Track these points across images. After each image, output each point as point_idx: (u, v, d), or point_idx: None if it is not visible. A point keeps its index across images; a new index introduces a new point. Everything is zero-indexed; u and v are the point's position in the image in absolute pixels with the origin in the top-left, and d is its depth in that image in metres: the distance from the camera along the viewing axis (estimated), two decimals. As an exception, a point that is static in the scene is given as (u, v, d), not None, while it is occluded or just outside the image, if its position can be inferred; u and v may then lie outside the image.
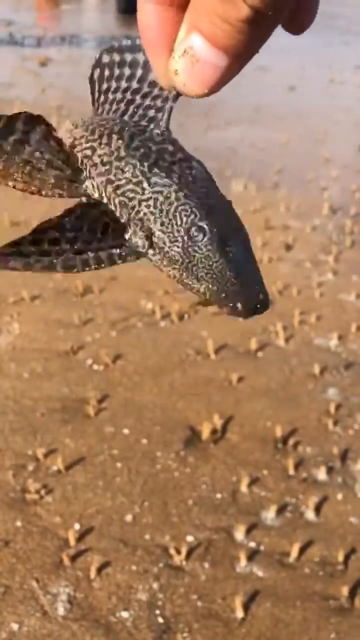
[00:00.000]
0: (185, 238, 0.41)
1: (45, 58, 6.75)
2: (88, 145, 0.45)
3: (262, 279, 0.42)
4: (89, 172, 0.45)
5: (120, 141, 0.43)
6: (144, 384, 2.11)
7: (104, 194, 0.44)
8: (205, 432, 1.90)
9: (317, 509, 1.72)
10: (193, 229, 0.40)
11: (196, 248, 0.40)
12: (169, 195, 0.41)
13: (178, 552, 1.55)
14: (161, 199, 0.41)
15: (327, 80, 6.72)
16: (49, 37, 7.99)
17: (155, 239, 0.42)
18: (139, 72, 0.46)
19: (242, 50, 0.33)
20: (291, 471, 1.82)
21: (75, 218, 0.44)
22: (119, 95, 0.47)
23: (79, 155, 0.46)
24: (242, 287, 0.40)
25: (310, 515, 1.70)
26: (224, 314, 0.41)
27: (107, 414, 1.97)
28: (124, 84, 0.47)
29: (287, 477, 1.81)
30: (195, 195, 0.41)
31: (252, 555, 1.58)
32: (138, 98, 0.46)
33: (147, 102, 0.46)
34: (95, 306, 2.49)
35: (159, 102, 0.45)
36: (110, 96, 0.47)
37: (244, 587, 1.49)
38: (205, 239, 0.40)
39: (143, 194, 0.42)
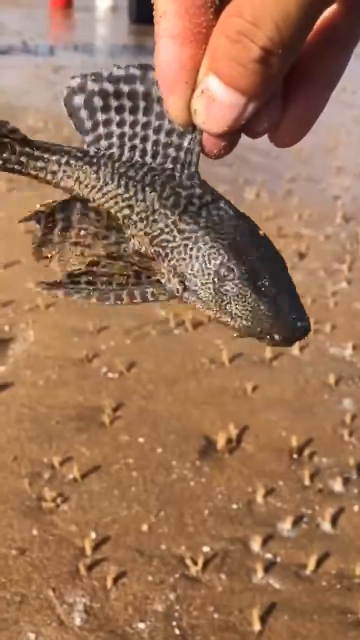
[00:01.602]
0: (216, 279, 0.42)
1: (58, 66, 6.81)
2: (125, 204, 0.46)
3: (298, 304, 0.42)
4: (131, 230, 0.46)
5: (153, 193, 0.45)
6: (159, 392, 2.11)
7: (144, 247, 0.46)
8: (221, 442, 1.89)
9: (334, 521, 1.70)
10: (222, 270, 0.42)
11: (227, 288, 0.42)
12: (197, 240, 0.43)
13: (194, 562, 1.54)
14: (190, 244, 0.43)
15: (339, 89, 6.71)
16: (62, 45, 8.07)
17: (187, 283, 0.43)
18: (142, 104, 0.46)
19: (257, 89, 0.34)
20: (307, 482, 1.81)
21: (102, 267, 0.47)
22: (127, 130, 0.46)
23: (119, 215, 0.47)
24: (277, 319, 0.41)
25: (326, 526, 1.69)
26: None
27: (122, 422, 1.97)
28: (128, 117, 0.46)
29: (303, 487, 1.80)
30: (222, 237, 0.43)
31: (268, 567, 1.57)
32: (151, 133, 0.46)
33: (163, 138, 0.46)
34: (110, 314, 2.50)
35: (175, 138, 0.45)
36: (116, 129, 0.47)
37: (261, 600, 1.48)
38: (235, 278, 0.42)
39: (174, 241, 0.44)
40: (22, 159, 0.49)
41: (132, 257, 0.47)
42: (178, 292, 0.44)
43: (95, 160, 0.47)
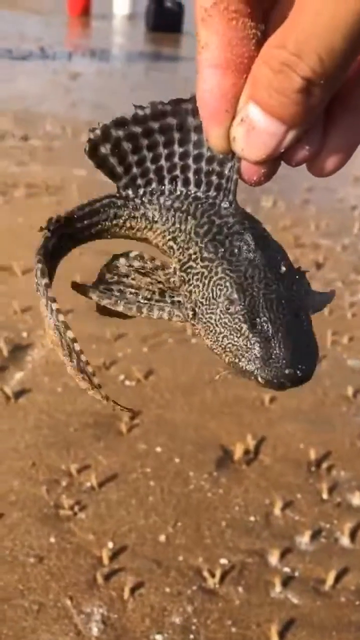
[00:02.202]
0: (219, 311, 0.42)
1: (76, 73, 6.87)
2: (170, 237, 0.47)
3: (301, 351, 0.40)
4: (174, 260, 0.48)
5: (193, 221, 0.45)
6: (176, 401, 2.11)
7: (177, 274, 0.47)
8: (238, 453, 1.88)
9: (352, 535, 1.69)
10: (226, 302, 0.41)
11: (225, 321, 0.41)
12: (211, 270, 0.43)
13: (212, 574, 1.53)
14: (206, 272, 0.43)
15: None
16: (80, 53, 8.14)
17: (197, 310, 0.44)
18: (177, 136, 0.46)
19: (297, 119, 0.34)
20: (325, 495, 1.80)
21: (132, 279, 0.48)
22: (164, 163, 0.47)
23: (165, 247, 0.48)
24: (264, 361, 0.39)
25: (345, 541, 1.67)
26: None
27: (139, 431, 1.97)
28: (163, 151, 0.47)
29: (321, 501, 1.79)
30: (233, 269, 0.42)
31: (286, 581, 1.55)
32: (191, 162, 0.46)
33: (205, 166, 0.46)
34: (127, 322, 2.49)
35: (216, 166, 0.46)
36: (151, 165, 0.47)
37: (279, 614, 1.47)
38: (234, 312, 0.41)
39: (196, 268, 0.44)
40: (79, 236, 0.50)
41: (159, 276, 0.48)
42: (188, 318, 0.45)
43: (139, 202, 0.48)
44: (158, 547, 1.60)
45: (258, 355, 0.39)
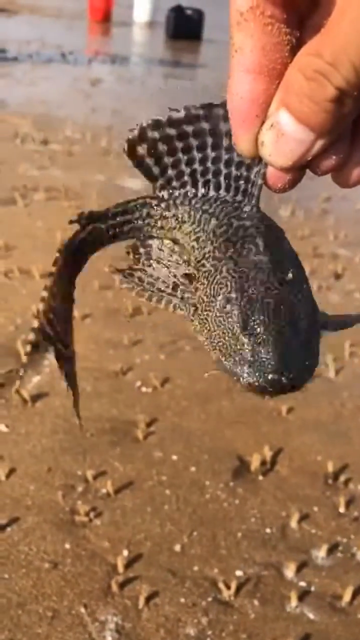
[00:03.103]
0: (215, 308, 0.42)
1: (96, 79, 6.92)
2: (195, 236, 0.48)
3: (295, 359, 0.39)
4: (191, 257, 0.49)
5: (215, 222, 0.46)
6: (192, 409, 2.10)
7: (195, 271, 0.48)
8: (255, 463, 1.87)
9: (370, 551, 1.66)
10: (224, 300, 0.41)
11: (221, 319, 0.41)
12: (217, 268, 0.43)
13: (227, 586, 1.51)
14: (213, 271, 0.44)
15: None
16: (100, 59, 8.20)
17: (198, 306, 0.44)
18: (210, 140, 0.47)
19: (327, 127, 0.34)
20: (342, 509, 1.78)
21: (152, 269, 0.50)
22: (198, 167, 0.48)
23: (190, 247, 0.49)
24: (249, 364, 0.38)
25: (362, 557, 1.65)
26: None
27: (155, 438, 1.96)
28: (197, 155, 0.47)
29: (338, 515, 1.77)
30: (237, 270, 0.42)
31: (302, 596, 1.53)
32: (222, 167, 0.47)
33: (234, 170, 0.47)
34: (145, 328, 2.50)
35: (244, 171, 0.46)
36: (185, 168, 0.48)
37: (294, 629, 1.45)
38: (230, 311, 0.40)
39: (206, 266, 0.45)
40: (111, 232, 0.51)
41: (178, 271, 0.49)
42: (189, 313, 0.45)
43: (171, 203, 0.49)
44: (173, 557, 1.59)
45: (244, 357, 0.39)
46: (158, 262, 0.50)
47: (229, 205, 0.46)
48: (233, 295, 0.41)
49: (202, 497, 1.77)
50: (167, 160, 0.48)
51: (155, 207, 0.50)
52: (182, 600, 1.49)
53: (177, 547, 1.61)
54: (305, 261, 3.13)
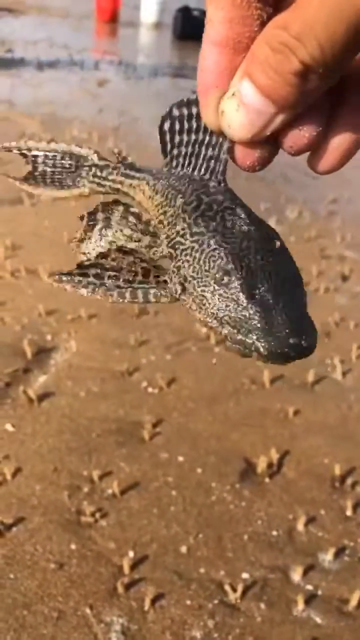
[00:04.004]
0: (213, 282, 0.41)
1: (103, 80, 6.92)
2: (162, 210, 0.48)
3: (302, 322, 0.39)
4: (162, 234, 0.48)
5: (181, 199, 0.46)
6: (199, 410, 2.09)
7: (165, 250, 0.47)
8: (261, 466, 1.86)
9: (377, 555, 1.65)
10: (220, 272, 0.40)
11: (222, 292, 0.40)
12: (203, 243, 0.42)
13: (233, 589, 1.51)
14: (196, 246, 0.43)
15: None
16: (107, 59, 8.21)
17: (187, 285, 0.43)
18: (202, 123, 0.48)
19: (289, 102, 0.34)
20: (349, 512, 1.77)
21: (112, 260, 0.48)
22: (190, 149, 0.49)
23: (157, 220, 0.49)
24: (266, 331, 0.38)
25: (369, 561, 1.64)
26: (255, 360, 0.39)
27: (161, 439, 1.95)
28: (193, 137, 0.49)
29: (345, 518, 1.76)
30: (227, 241, 0.41)
31: (309, 600, 1.52)
32: (203, 149, 0.48)
33: (210, 152, 0.47)
34: (151, 328, 2.49)
35: (215, 151, 0.47)
36: (183, 150, 0.49)
37: (301, 633, 1.44)
38: (231, 282, 0.40)
39: (184, 243, 0.44)
40: (120, 178, 0.54)
41: (144, 255, 0.48)
42: (176, 294, 0.44)
43: (158, 176, 0.51)
44: (179, 559, 1.58)
45: (259, 326, 0.38)
46: (119, 250, 0.48)
47: (196, 182, 0.47)
48: (231, 266, 0.40)
49: (209, 498, 1.76)
50: (176, 139, 0.49)
51: (150, 174, 0.51)
52: (188, 602, 1.48)
53: (183, 549, 1.60)
54: (312, 263, 3.12)
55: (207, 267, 0.41)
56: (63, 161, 0.57)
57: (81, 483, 1.75)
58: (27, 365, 2.18)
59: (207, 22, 0.35)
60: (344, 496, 1.82)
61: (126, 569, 1.52)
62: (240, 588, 1.50)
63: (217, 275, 0.40)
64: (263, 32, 0.33)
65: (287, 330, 0.38)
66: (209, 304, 0.40)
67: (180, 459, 1.88)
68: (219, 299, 0.40)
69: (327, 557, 1.63)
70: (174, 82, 7.39)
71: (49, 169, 0.58)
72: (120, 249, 0.48)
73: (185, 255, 0.43)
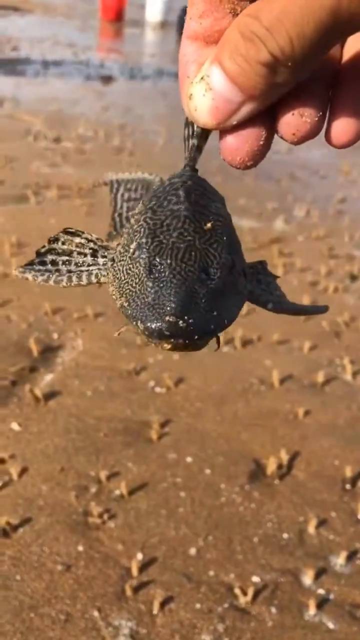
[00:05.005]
0: (128, 257, 0.41)
1: (108, 78, 6.90)
2: (134, 196, 0.52)
3: (187, 303, 0.36)
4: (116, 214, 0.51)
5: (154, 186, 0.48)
6: (207, 411, 2.07)
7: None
8: (271, 467, 1.83)
9: (389, 559, 1.62)
10: (134, 246, 0.40)
11: (131, 265, 0.40)
12: (138, 219, 0.42)
13: (244, 592, 1.48)
14: (133, 222, 0.43)
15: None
16: (112, 58, 8.19)
17: (115, 259, 0.43)
18: None
19: (257, 92, 0.34)
20: (360, 515, 1.74)
21: (62, 244, 0.48)
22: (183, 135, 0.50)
23: (127, 214, 0.52)
24: (148, 307, 0.37)
25: (381, 565, 1.61)
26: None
27: (169, 439, 1.92)
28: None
29: (356, 521, 1.73)
30: (155, 217, 0.41)
31: (321, 604, 1.49)
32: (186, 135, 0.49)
33: (191, 141, 0.47)
34: (158, 327, 2.46)
35: (195, 141, 0.46)
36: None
37: (313, 639, 1.41)
38: (138, 256, 0.39)
39: (130, 221, 0.44)
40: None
41: (90, 235, 0.48)
42: (104, 266, 0.45)
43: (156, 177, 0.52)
44: (188, 561, 1.55)
45: (146, 301, 0.37)
46: (66, 232, 0.49)
47: (174, 173, 0.47)
48: (144, 240, 0.39)
49: (218, 500, 1.73)
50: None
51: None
52: (198, 605, 1.45)
53: (192, 551, 1.58)
54: (320, 262, 3.09)
55: (127, 242, 0.42)
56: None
57: (88, 483, 1.73)
58: (34, 363, 2.15)
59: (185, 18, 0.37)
60: (355, 498, 1.79)
61: (134, 571, 1.49)
62: (250, 591, 1.47)
63: (131, 249, 0.40)
64: (236, 19, 0.34)
65: (169, 308, 0.36)
66: (119, 277, 0.41)
67: (189, 459, 1.85)
68: (126, 272, 0.40)
69: (338, 560, 1.60)
70: (178, 80, 7.35)
71: None
72: (67, 231, 0.48)
73: (125, 232, 0.44)
